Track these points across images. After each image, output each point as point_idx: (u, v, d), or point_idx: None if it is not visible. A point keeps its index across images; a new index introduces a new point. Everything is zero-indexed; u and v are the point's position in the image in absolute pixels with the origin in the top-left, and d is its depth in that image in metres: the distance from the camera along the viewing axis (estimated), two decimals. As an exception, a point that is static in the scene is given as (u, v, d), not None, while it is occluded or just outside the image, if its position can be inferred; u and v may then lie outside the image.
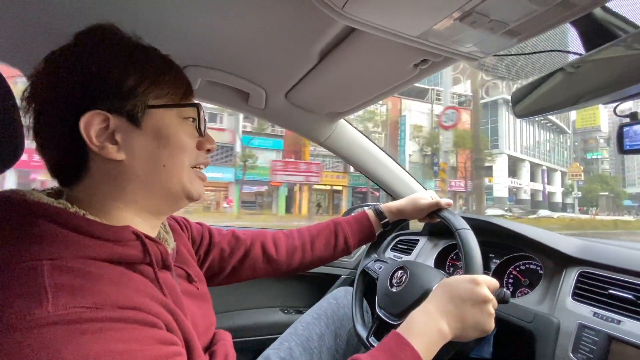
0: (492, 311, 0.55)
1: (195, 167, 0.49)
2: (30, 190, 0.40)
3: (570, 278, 0.70)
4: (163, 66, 0.45)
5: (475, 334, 0.54)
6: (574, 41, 0.59)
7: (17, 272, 0.31)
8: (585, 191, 31.02)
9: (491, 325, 0.54)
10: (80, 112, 0.39)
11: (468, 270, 0.61)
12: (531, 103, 0.69)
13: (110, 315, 0.31)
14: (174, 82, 0.46)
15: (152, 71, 0.44)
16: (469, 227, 0.67)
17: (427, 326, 0.52)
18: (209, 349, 0.53)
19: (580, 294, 0.67)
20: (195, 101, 0.50)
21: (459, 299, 0.54)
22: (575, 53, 0.59)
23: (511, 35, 0.51)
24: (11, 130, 0.48)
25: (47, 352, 0.28)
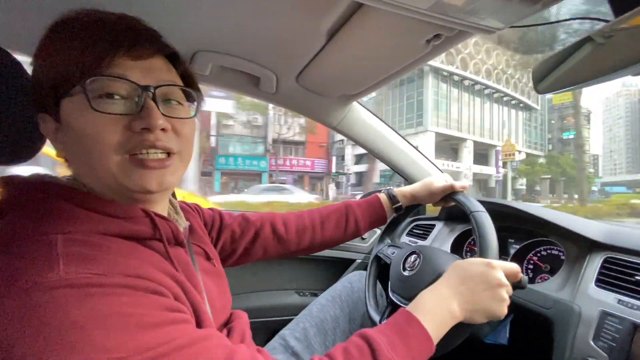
0: (506, 296, 0.53)
1: (133, 154, 0.40)
2: (49, 174, 0.42)
3: (594, 264, 0.66)
4: (83, 45, 0.38)
5: (484, 318, 0.53)
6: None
7: (33, 244, 0.33)
8: (522, 173, 28.38)
9: (503, 310, 0.53)
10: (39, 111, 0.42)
11: (483, 253, 0.59)
12: (556, 79, 0.64)
13: (117, 282, 0.33)
14: (81, 56, 0.38)
15: (70, 58, 0.38)
16: (484, 210, 0.65)
17: (436, 305, 0.52)
18: (226, 325, 0.54)
19: (604, 280, 0.63)
20: (203, 87, 0.49)
21: (471, 281, 0.53)
22: (603, 20, 0.54)
23: (531, 2, 0.47)
24: (31, 119, 0.51)
25: (57, 312, 0.29)
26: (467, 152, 25.80)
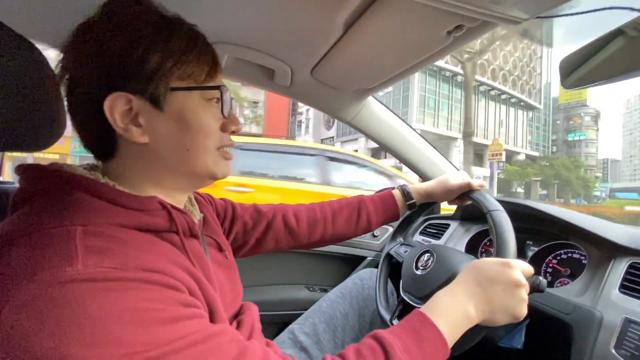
0: (525, 297, 0.51)
1: (220, 149, 0.48)
2: (68, 164, 0.43)
3: (618, 269, 0.63)
4: (188, 42, 0.43)
5: (506, 319, 0.51)
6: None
7: (53, 235, 0.34)
8: (511, 175, 26.60)
9: (523, 311, 0.51)
10: (106, 93, 0.39)
11: (500, 253, 0.57)
12: (585, 74, 0.61)
13: (134, 276, 0.33)
14: (199, 60, 0.44)
15: (176, 49, 0.42)
16: (502, 209, 0.63)
17: (451, 306, 0.50)
18: (236, 317, 0.55)
19: (629, 286, 0.60)
20: (221, 81, 0.49)
21: (488, 282, 0.51)
22: (638, 10, 0.50)
23: None
24: (52, 109, 0.52)
25: (76, 306, 0.29)
26: (458, 152, 24.84)
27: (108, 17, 0.41)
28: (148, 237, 0.39)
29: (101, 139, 0.43)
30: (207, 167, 0.46)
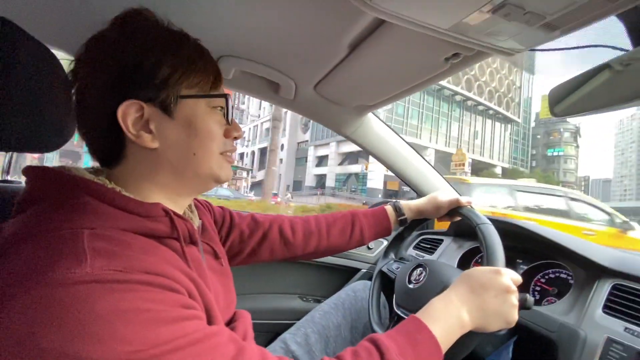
0: (516, 302, 0.53)
1: (223, 153, 0.50)
2: (75, 167, 0.44)
3: (602, 290, 0.66)
4: (194, 54, 0.47)
5: (498, 325, 0.53)
6: (619, 36, 0.54)
7: (61, 237, 0.35)
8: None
9: (515, 316, 0.53)
10: (118, 101, 0.41)
11: (490, 262, 0.59)
12: (572, 103, 0.65)
13: (138, 278, 0.34)
14: (205, 70, 0.47)
15: (184, 60, 0.45)
16: (489, 222, 0.66)
17: (446, 312, 0.52)
18: (229, 324, 0.55)
19: (612, 307, 0.63)
20: (225, 90, 0.51)
21: (480, 288, 0.53)
22: (622, 49, 0.54)
23: (550, 29, 0.48)
24: (63, 112, 0.54)
25: (83, 306, 0.31)
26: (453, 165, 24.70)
27: (120, 29, 0.43)
28: (150, 242, 0.41)
29: (110, 145, 0.45)
30: (211, 170, 0.48)
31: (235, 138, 0.52)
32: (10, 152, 0.66)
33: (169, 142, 0.45)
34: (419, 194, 1.17)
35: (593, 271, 0.70)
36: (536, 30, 0.49)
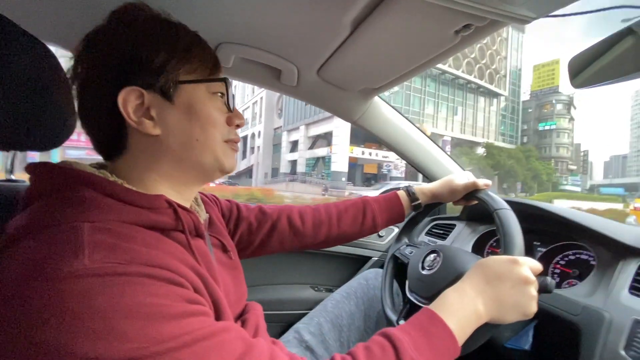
0: (535, 294, 0.51)
1: (227, 142, 0.49)
2: (77, 161, 0.43)
3: (628, 270, 0.63)
4: (191, 42, 0.46)
5: (515, 317, 0.51)
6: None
7: (61, 231, 0.34)
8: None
9: (533, 308, 0.51)
10: (118, 90, 0.41)
11: (507, 250, 0.57)
12: (594, 73, 0.61)
13: (139, 271, 0.33)
14: (202, 57, 0.47)
15: (181, 47, 0.45)
16: (509, 207, 0.62)
17: (460, 304, 0.50)
18: (240, 317, 0.55)
19: (639, 287, 0.60)
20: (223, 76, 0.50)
21: (496, 279, 0.51)
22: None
23: None
24: (62, 109, 0.52)
25: (82, 300, 0.30)
26: None
27: (117, 22, 0.44)
28: (154, 235, 0.40)
29: (112, 136, 0.44)
30: (216, 157, 0.48)
31: (238, 126, 0.51)
32: (13, 151, 0.66)
33: (170, 128, 0.44)
34: (431, 179, 1.14)
35: (617, 251, 0.67)
36: (556, -7, 0.45)
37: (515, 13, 0.51)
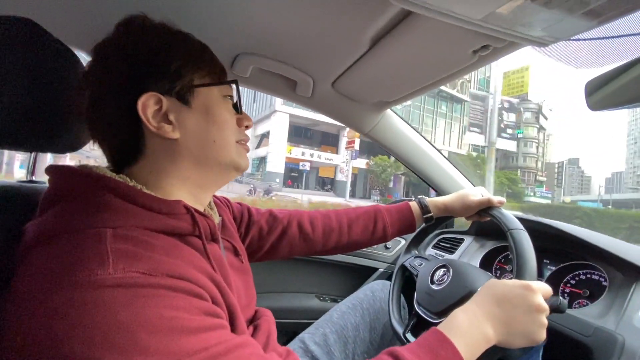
0: (545, 322, 0.50)
1: (239, 142, 0.51)
2: (97, 165, 0.44)
3: None
4: (201, 48, 0.48)
5: (524, 343, 0.50)
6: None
7: (85, 237, 0.34)
8: (377, 168, 23.41)
9: (542, 336, 0.50)
10: (135, 97, 0.42)
11: (520, 275, 0.56)
12: (608, 95, 0.61)
13: (162, 283, 0.33)
14: (211, 62, 0.49)
15: (193, 51, 0.47)
16: (523, 228, 0.62)
17: (470, 327, 0.49)
18: (251, 322, 0.55)
19: None
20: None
21: (508, 304, 0.51)
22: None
23: (591, 17, 0.45)
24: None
25: (105, 312, 0.30)
26: (343, 145, 23.13)
27: (126, 31, 0.44)
28: (173, 241, 0.40)
29: (129, 142, 0.45)
30: (232, 157, 0.49)
31: (247, 127, 0.54)
32: (34, 153, 0.67)
33: (189, 131, 0.45)
34: (441, 193, 1.14)
35: (630, 273, 0.67)
36: (576, 19, 0.46)
37: (534, 36, 0.52)
